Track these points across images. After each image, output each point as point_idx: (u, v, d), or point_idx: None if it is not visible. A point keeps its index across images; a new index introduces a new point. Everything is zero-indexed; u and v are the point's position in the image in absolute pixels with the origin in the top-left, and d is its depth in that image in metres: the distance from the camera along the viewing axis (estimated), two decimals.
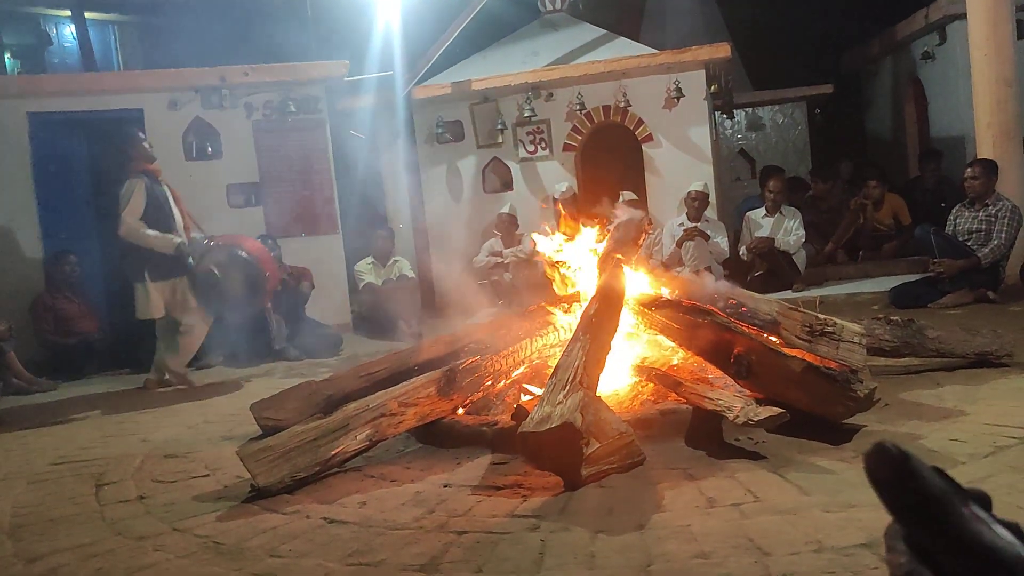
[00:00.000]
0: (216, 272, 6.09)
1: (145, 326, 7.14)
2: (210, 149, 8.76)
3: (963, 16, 7.55)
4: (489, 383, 3.79)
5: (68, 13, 12.42)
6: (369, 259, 8.73)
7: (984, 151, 7.16)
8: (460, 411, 3.78)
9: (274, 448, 3.23)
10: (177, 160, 8.62)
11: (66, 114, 8.35)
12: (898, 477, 0.47)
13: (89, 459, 4.12)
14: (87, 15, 12.25)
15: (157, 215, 6.17)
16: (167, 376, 6.38)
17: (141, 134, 6.55)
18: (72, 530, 3.01)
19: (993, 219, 6.69)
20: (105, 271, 7.99)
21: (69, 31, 13.00)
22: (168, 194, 6.37)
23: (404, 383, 3.65)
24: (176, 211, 6.35)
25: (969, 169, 6.89)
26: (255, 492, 3.16)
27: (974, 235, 6.75)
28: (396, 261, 8.74)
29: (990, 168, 6.80)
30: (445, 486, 3.10)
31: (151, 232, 6.08)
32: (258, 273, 6.35)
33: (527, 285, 7.83)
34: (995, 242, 6.60)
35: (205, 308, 6.33)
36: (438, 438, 3.69)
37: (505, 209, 9.07)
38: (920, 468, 0.48)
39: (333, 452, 3.31)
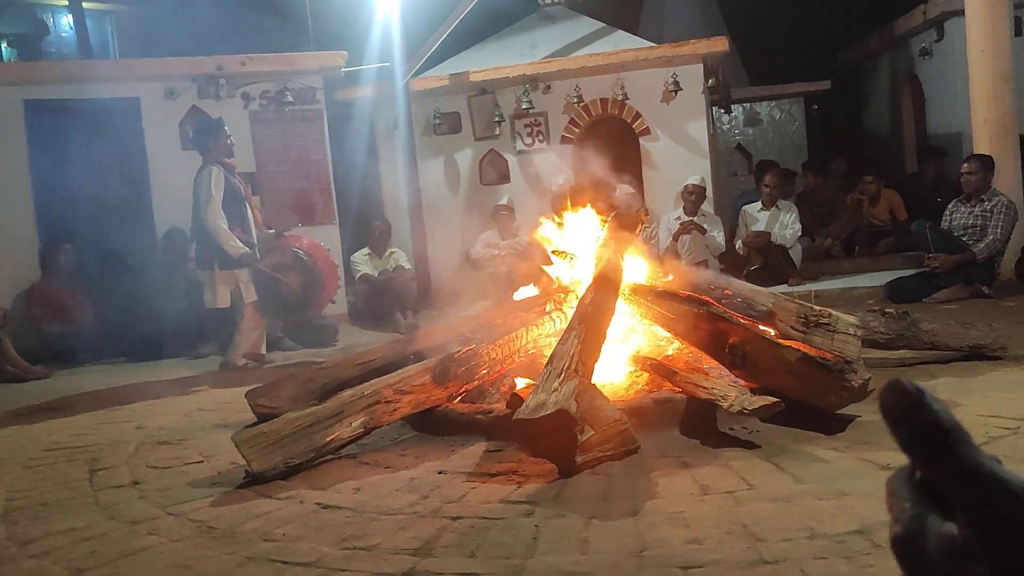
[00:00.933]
0: (276, 275, 6.16)
1: (140, 316, 7.17)
2: None
3: (961, 12, 7.56)
4: (485, 371, 3.79)
5: (66, 2, 12.39)
6: (365, 250, 8.72)
7: (981, 147, 7.17)
8: (455, 399, 3.78)
9: (268, 434, 3.23)
10: (173, 149, 8.61)
11: (62, 102, 8.32)
12: (913, 410, 0.48)
13: (83, 445, 4.11)
14: (84, 4, 12.22)
15: (232, 207, 6.26)
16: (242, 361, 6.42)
17: (226, 127, 6.64)
18: (66, 514, 3.01)
19: (989, 214, 6.70)
20: (101, 259, 7.98)
21: (66, 20, 12.98)
22: (239, 187, 6.45)
23: (399, 371, 3.65)
24: (248, 205, 6.45)
25: (965, 164, 6.91)
26: (249, 478, 3.16)
27: (970, 230, 6.77)
28: (392, 252, 8.73)
29: (986, 164, 6.81)
30: (439, 473, 3.11)
31: (227, 230, 6.16)
32: (316, 283, 6.39)
33: (524, 277, 7.83)
34: (990, 237, 6.61)
35: (261, 306, 6.44)
36: (433, 426, 3.69)
37: (503, 201, 9.06)
38: (933, 402, 0.49)
39: (328, 439, 3.31)
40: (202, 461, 3.63)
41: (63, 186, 8.10)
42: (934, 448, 0.48)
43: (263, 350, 6.54)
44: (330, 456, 3.36)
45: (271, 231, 6.77)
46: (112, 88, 8.48)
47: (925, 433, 0.49)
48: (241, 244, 6.20)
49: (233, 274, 6.28)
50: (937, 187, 9.31)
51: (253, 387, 4.23)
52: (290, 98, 8.84)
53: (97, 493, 3.26)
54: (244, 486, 3.15)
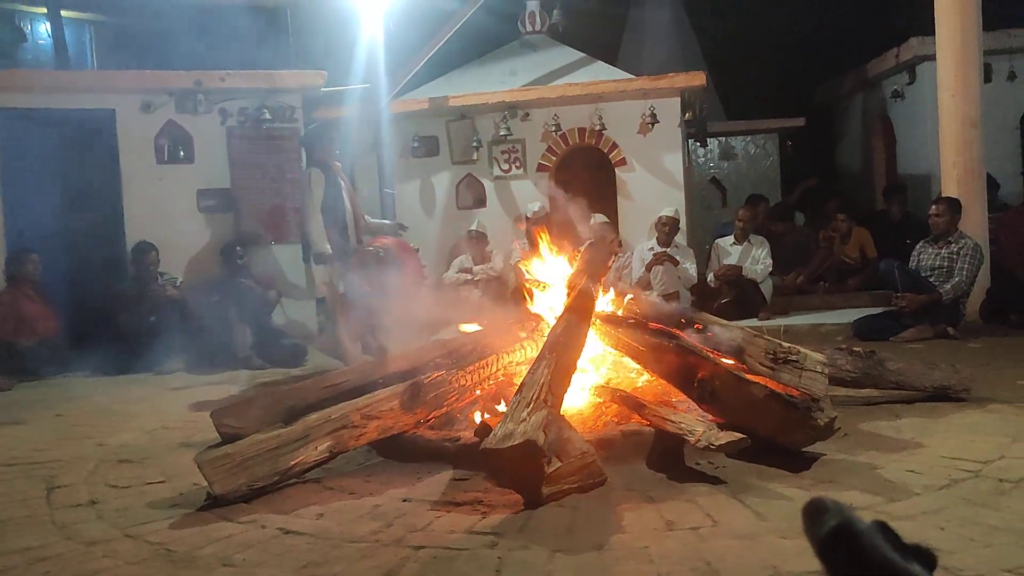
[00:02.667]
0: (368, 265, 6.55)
1: (107, 329, 7.10)
2: (182, 153, 8.70)
3: (933, 57, 7.72)
4: (454, 398, 3.77)
5: (44, 10, 12.26)
6: None
7: (949, 189, 7.31)
8: (423, 425, 3.76)
9: (232, 456, 3.19)
10: (148, 162, 8.56)
11: (37, 111, 8.24)
12: (831, 535, 0.49)
13: (42, 461, 4.03)
14: (63, 13, 12.10)
15: (330, 209, 6.58)
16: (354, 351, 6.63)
17: (324, 132, 7.06)
18: (21, 533, 2.95)
19: (955, 256, 6.82)
20: (69, 271, 7.88)
21: (44, 28, 12.84)
22: (343, 188, 6.73)
23: (367, 395, 3.62)
24: (348, 206, 6.71)
25: (934, 207, 7.03)
26: (211, 500, 3.11)
27: (936, 271, 6.87)
28: None
29: (954, 206, 6.94)
30: (404, 500, 3.08)
31: (318, 230, 6.53)
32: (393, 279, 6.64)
33: (497, 302, 7.83)
34: (956, 279, 6.72)
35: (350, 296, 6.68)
36: (400, 452, 3.67)
37: (474, 226, 9.08)
38: (851, 522, 0.49)
39: (292, 462, 3.27)
40: (163, 481, 3.57)
41: (33, 196, 8.01)
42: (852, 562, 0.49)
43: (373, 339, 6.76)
44: (294, 480, 3.32)
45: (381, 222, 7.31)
46: (88, 99, 8.43)
47: (844, 553, 0.49)
48: (325, 244, 6.52)
49: (327, 269, 6.78)
50: (904, 224, 9.46)
51: (219, 406, 4.19)
52: (268, 116, 8.82)
53: (54, 512, 3.19)
54: (205, 508, 3.10)
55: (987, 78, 8.26)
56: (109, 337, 7.31)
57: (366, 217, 7.04)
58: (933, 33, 7.44)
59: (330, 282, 6.83)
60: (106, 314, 7.45)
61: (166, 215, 8.46)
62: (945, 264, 6.86)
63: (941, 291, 6.69)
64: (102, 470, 3.81)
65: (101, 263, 8.41)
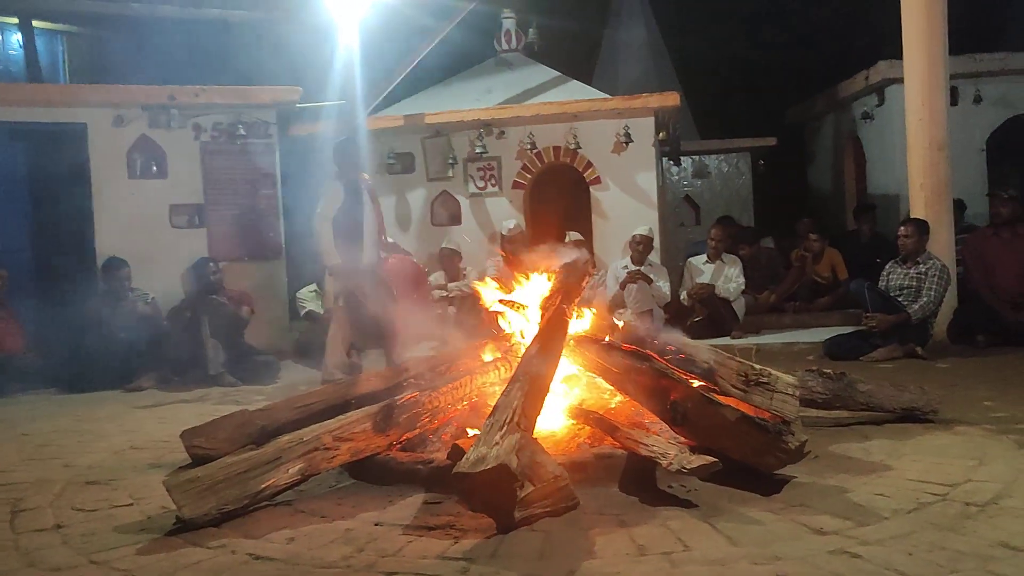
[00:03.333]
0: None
1: (76, 346, 7.01)
2: (155, 168, 8.64)
3: (901, 80, 7.85)
4: (427, 420, 3.76)
5: (16, 20, 12.15)
6: (312, 286, 8.64)
7: (917, 211, 7.41)
8: (395, 447, 3.74)
9: (202, 479, 3.15)
10: (120, 177, 8.49)
11: (6, 124, 8.15)
12: None
13: (6, 483, 3.96)
14: (35, 24, 11.99)
15: (344, 221, 6.77)
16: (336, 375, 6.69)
17: (354, 145, 7.34)
18: None
19: (923, 277, 6.92)
20: (37, 287, 7.77)
21: (16, 39, 12.71)
22: (364, 201, 6.89)
23: (340, 417, 3.59)
24: (369, 219, 6.86)
25: (902, 228, 7.13)
26: (180, 524, 3.07)
27: (905, 291, 6.97)
28: None
29: (922, 228, 7.05)
30: (376, 524, 3.06)
31: (324, 242, 6.80)
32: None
33: (472, 319, 7.82)
34: (924, 299, 6.82)
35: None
36: (372, 474, 3.65)
37: (445, 244, 9.08)
38: None
39: (263, 485, 3.24)
40: (131, 504, 3.52)
41: (2, 211, 7.90)
42: None
43: (351, 359, 7.04)
44: (265, 503, 3.29)
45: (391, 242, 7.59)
46: (59, 112, 8.35)
47: None
48: (332, 256, 6.80)
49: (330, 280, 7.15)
50: (873, 244, 9.58)
51: (190, 427, 4.14)
52: (242, 131, 8.79)
53: (18, 537, 3.13)
54: (174, 533, 3.06)
55: (954, 101, 8.41)
56: (78, 354, 7.21)
57: (386, 235, 7.23)
58: (901, 57, 7.56)
59: (336, 293, 7.05)
60: (75, 331, 7.35)
61: (138, 230, 8.38)
62: (914, 284, 6.95)
63: (910, 311, 6.78)
64: (68, 492, 3.75)
65: (71, 279, 8.30)
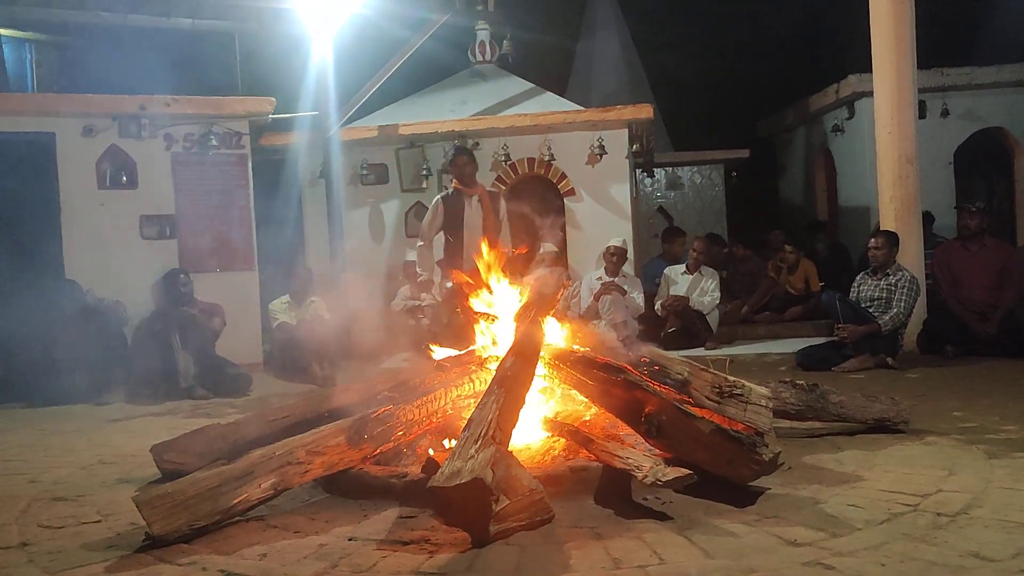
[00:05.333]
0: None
1: (43, 359, 6.89)
2: (125, 178, 8.53)
3: (871, 94, 7.97)
4: (401, 433, 3.73)
5: None
6: (285, 298, 8.57)
7: (886, 223, 7.51)
8: (369, 460, 3.71)
9: (173, 495, 3.10)
10: (89, 188, 8.38)
11: None
12: None
13: None
14: (2, 32, 11.84)
15: (451, 232, 7.20)
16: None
17: (465, 155, 7.56)
18: None
19: (893, 288, 7.00)
20: (4, 297, 7.63)
21: None
22: (475, 212, 7.09)
23: (313, 431, 3.56)
24: (477, 229, 6.97)
25: (873, 240, 7.22)
26: (150, 541, 3.02)
27: (875, 302, 7.05)
28: (312, 302, 8.59)
29: (892, 240, 7.14)
30: (350, 539, 3.03)
31: (422, 253, 7.48)
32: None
33: (444, 329, 7.80)
34: (895, 310, 6.90)
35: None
36: (345, 488, 3.61)
37: (409, 257, 9.03)
38: None
39: (235, 501, 3.20)
40: (100, 521, 3.45)
41: None
42: None
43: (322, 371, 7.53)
44: (237, 518, 3.24)
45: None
46: (27, 122, 8.24)
47: None
48: (425, 271, 7.48)
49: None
50: (832, 256, 9.68)
51: (160, 441, 4.10)
52: (215, 142, 8.71)
53: None
54: (143, 550, 3.01)
55: (922, 115, 8.54)
56: (44, 366, 7.09)
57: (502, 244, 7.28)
58: (871, 70, 7.68)
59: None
60: (41, 342, 7.22)
61: (108, 241, 8.28)
62: (884, 295, 7.04)
63: (880, 322, 6.86)
64: (35, 509, 3.68)
65: (38, 289, 8.16)
